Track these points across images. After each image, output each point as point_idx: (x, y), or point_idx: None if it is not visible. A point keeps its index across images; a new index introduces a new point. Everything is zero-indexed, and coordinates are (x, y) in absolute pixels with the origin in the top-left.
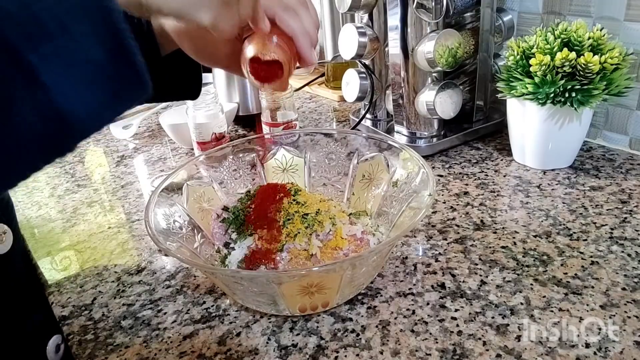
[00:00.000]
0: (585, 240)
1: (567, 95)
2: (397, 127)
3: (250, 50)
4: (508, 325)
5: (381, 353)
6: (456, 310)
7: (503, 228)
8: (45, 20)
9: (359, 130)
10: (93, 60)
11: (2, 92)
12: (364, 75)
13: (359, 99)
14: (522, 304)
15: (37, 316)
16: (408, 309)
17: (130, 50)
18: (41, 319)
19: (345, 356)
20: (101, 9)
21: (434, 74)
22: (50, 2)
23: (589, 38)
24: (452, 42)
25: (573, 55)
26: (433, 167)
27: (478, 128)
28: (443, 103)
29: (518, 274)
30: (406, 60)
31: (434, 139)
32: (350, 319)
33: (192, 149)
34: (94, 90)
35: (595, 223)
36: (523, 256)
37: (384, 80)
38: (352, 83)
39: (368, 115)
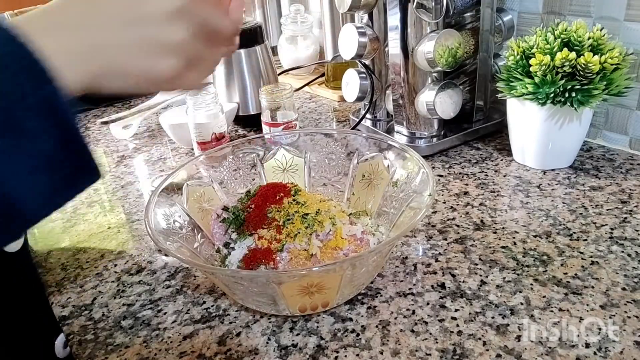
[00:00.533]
0: (585, 240)
1: (567, 95)
2: (397, 127)
3: None
4: (508, 325)
5: (381, 353)
6: (456, 310)
7: (503, 228)
8: None
9: (359, 130)
10: (43, 151)
11: None
12: (364, 75)
13: (359, 99)
14: (522, 304)
15: (43, 315)
16: (408, 309)
17: (78, 140)
18: (46, 317)
19: (345, 356)
20: (52, 107)
21: (433, 74)
22: (4, 102)
23: (589, 38)
24: (452, 42)
25: (573, 55)
26: (433, 167)
27: (478, 128)
28: (443, 103)
29: (518, 274)
30: (406, 60)
31: (434, 139)
32: (350, 319)
33: (192, 149)
34: (44, 179)
35: (595, 223)
36: (523, 256)
37: (383, 80)
38: (352, 83)
39: (368, 115)
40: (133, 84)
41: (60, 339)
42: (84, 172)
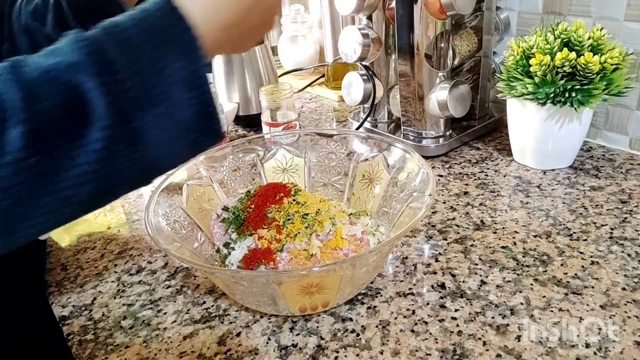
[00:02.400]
0: (585, 240)
1: (567, 95)
2: (404, 129)
3: None
4: (508, 325)
5: (381, 353)
6: (456, 310)
7: (503, 228)
8: (153, 90)
9: (359, 130)
10: (184, 120)
11: (107, 146)
12: (366, 78)
13: (363, 102)
14: (522, 304)
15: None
16: (408, 309)
17: (212, 110)
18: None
19: (345, 356)
20: (195, 78)
21: (441, 74)
22: (162, 75)
23: (589, 38)
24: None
25: (573, 55)
26: (433, 167)
27: (478, 128)
28: (455, 101)
29: (518, 274)
30: (412, 59)
31: (441, 140)
32: (350, 319)
33: None
34: (180, 144)
35: (595, 223)
36: (523, 256)
37: (385, 82)
38: (354, 86)
39: (368, 118)
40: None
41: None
42: (210, 135)
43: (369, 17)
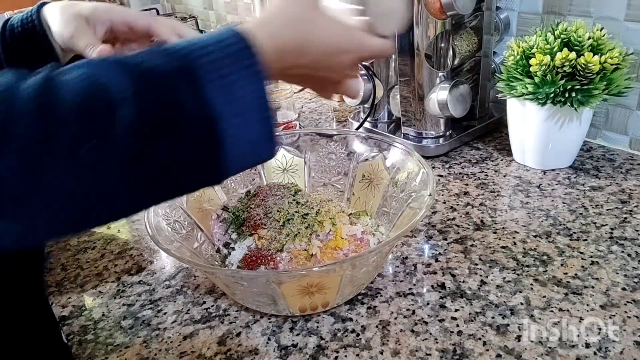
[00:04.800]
0: (585, 240)
1: (567, 95)
2: (404, 129)
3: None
4: (508, 325)
5: (381, 353)
6: (456, 310)
7: (503, 228)
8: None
9: (359, 130)
10: (251, 140)
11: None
12: (366, 78)
13: (363, 102)
14: (522, 304)
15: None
16: (408, 309)
17: (273, 130)
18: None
19: (345, 356)
20: (263, 102)
21: (441, 74)
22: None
23: (589, 38)
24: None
25: (573, 55)
26: (433, 167)
27: (478, 128)
28: (455, 100)
29: (518, 274)
30: (412, 59)
31: (441, 140)
32: (350, 319)
33: None
34: (248, 160)
35: (595, 223)
36: (523, 256)
37: (385, 82)
38: None
39: (368, 118)
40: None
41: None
42: (266, 154)
43: None
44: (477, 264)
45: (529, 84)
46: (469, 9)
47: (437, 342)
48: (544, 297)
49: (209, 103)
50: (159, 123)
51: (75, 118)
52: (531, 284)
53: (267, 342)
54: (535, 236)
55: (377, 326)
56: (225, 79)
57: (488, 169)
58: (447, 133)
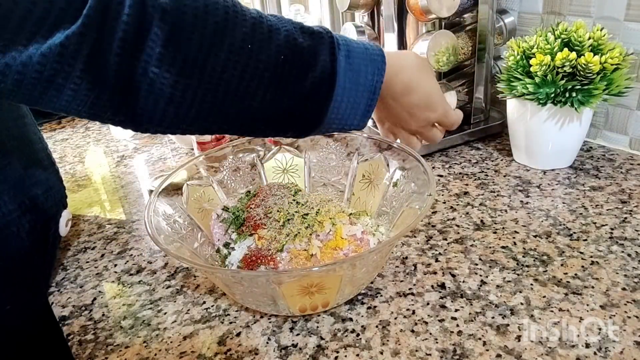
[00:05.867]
0: (585, 240)
1: (567, 95)
2: None
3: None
4: (508, 325)
5: (381, 353)
6: (456, 310)
7: (503, 228)
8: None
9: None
10: (360, 104)
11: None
12: None
13: None
14: (522, 304)
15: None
16: (408, 309)
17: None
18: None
19: (345, 356)
20: (375, 90)
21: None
22: (369, 80)
23: (589, 38)
24: (446, 43)
25: (573, 55)
26: (433, 167)
27: (478, 128)
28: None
29: (518, 274)
30: None
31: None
32: (350, 319)
33: (192, 149)
34: (357, 113)
35: (595, 223)
36: (523, 256)
37: None
38: None
39: None
40: (375, 119)
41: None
42: (357, 123)
43: (370, 15)
44: (477, 264)
45: (529, 84)
46: (448, 13)
47: (437, 342)
48: (544, 297)
49: (337, 60)
50: (300, 60)
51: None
52: (531, 284)
53: (267, 342)
54: (535, 236)
55: (377, 326)
56: (355, 59)
57: (488, 169)
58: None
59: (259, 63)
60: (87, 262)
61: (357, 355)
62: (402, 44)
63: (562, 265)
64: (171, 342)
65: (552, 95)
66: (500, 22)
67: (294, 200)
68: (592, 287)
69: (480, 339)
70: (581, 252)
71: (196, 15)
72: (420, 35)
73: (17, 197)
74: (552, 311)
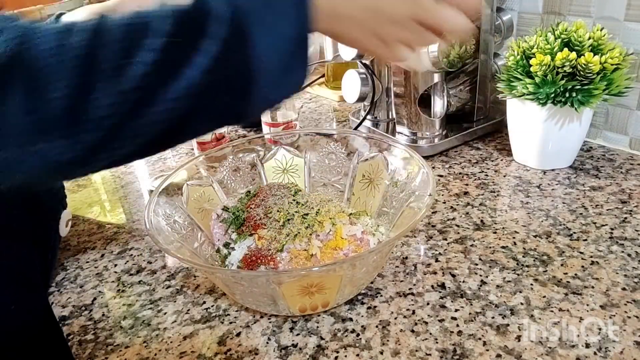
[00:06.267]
0: (585, 240)
1: (567, 95)
2: (398, 128)
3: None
4: (508, 325)
5: (381, 353)
6: (456, 310)
7: (503, 228)
8: (267, 13)
9: (359, 130)
10: (285, 35)
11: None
12: (365, 76)
13: (360, 100)
14: (522, 304)
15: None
16: (408, 309)
17: (308, 37)
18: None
19: (345, 356)
20: (304, 6)
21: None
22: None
23: (589, 38)
24: (455, 41)
25: (573, 55)
26: (433, 167)
27: (478, 128)
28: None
29: (518, 274)
30: None
31: (436, 139)
32: (350, 319)
33: (192, 149)
34: (278, 58)
35: (595, 223)
36: (523, 256)
37: (384, 80)
38: (352, 84)
39: (368, 117)
40: (349, 45)
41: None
42: (300, 65)
43: None
44: (477, 264)
45: (529, 84)
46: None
47: (437, 342)
48: (544, 297)
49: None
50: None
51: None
52: (531, 284)
53: (267, 342)
54: (535, 236)
55: (377, 326)
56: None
57: (488, 169)
58: (442, 133)
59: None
60: (87, 262)
61: (357, 355)
62: None
63: (562, 265)
64: (171, 342)
65: (552, 95)
66: (498, 20)
67: (294, 200)
68: (592, 287)
69: (480, 339)
70: (581, 252)
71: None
72: None
73: (18, 197)
74: (552, 311)
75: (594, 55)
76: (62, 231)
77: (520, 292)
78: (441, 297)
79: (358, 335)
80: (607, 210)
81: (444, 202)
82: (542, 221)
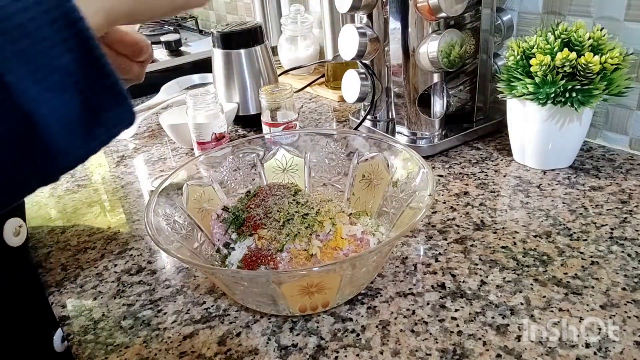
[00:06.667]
0: (585, 240)
1: (567, 95)
2: (398, 128)
3: None
4: (508, 325)
5: (381, 353)
6: (456, 310)
7: (503, 228)
8: (8, 24)
9: (359, 130)
10: (61, 67)
11: None
12: (364, 76)
13: (360, 100)
14: (522, 304)
15: (41, 311)
16: (408, 309)
17: (98, 59)
18: (45, 314)
19: (345, 356)
20: (71, 20)
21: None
22: (26, 14)
23: (589, 38)
24: (455, 41)
25: (573, 55)
26: (433, 167)
27: (478, 128)
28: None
29: (518, 274)
30: (407, 60)
31: (435, 139)
32: (350, 319)
33: (192, 149)
34: (65, 97)
35: (595, 223)
36: (523, 256)
37: (384, 80)
38: (352, 84)
39: (368, 116)
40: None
41: (59, 334)
42: (110, 101)
43: (369, 17)
44: (477, 264)
45: (529, 84)
46: (457, 12)
47: (437, 342)
48: (544, 297)
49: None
50: None
51: None
52: (531, 284)
53: (267, 342)
54: (535, 236)
55: (377, 326)
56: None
57: (488, 169)
58: (442, 133)
59: None
60: (87, 262)
61: (357, 355)
62: (405, 45)
63: (562, 265)
64: (171, 342)
65: (552, 95)
66: (498, 20)
67: (294, 200)
68: (592, 287)
69: (480, 339)
70: (581, 252)
71: None
72: (428, 35)
73: None
74: (552, 311)
75: (594, 55)
76: (9, 241)
77: (520, 292)
78: (441, 297)
79: (358, 335)
80: (607, 210)
81: (444, 202)
82: (542, 221)
